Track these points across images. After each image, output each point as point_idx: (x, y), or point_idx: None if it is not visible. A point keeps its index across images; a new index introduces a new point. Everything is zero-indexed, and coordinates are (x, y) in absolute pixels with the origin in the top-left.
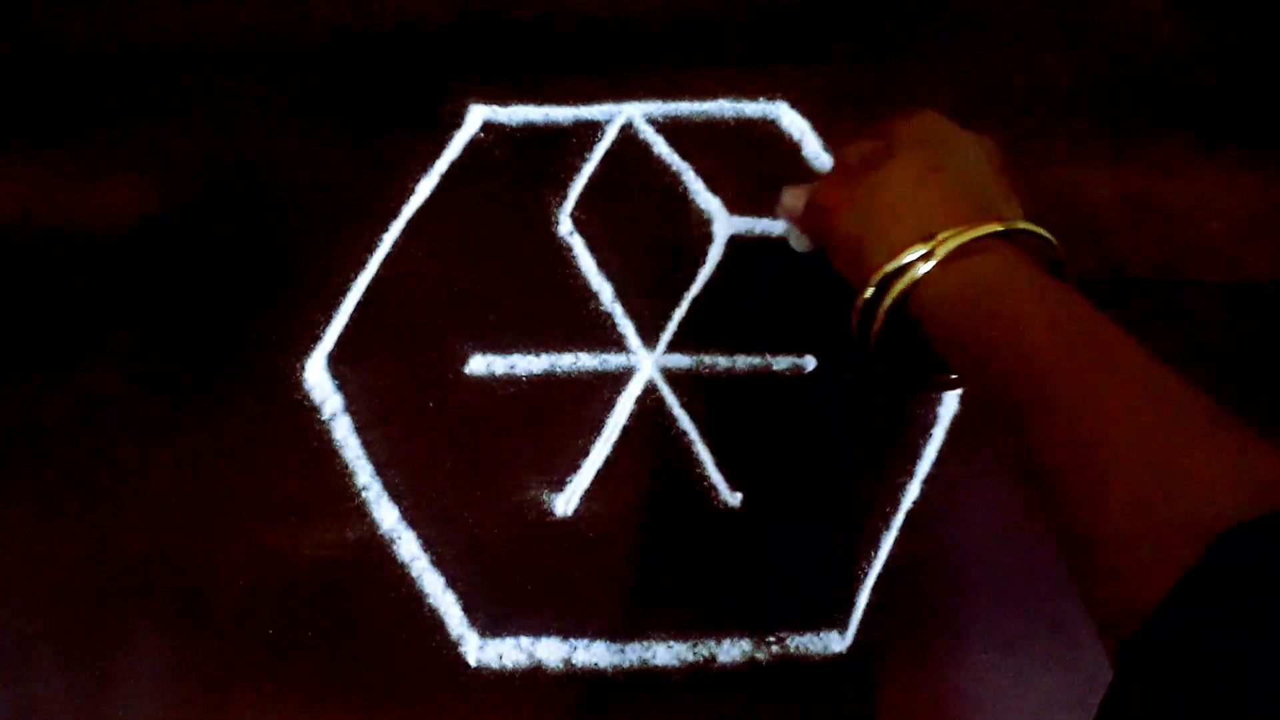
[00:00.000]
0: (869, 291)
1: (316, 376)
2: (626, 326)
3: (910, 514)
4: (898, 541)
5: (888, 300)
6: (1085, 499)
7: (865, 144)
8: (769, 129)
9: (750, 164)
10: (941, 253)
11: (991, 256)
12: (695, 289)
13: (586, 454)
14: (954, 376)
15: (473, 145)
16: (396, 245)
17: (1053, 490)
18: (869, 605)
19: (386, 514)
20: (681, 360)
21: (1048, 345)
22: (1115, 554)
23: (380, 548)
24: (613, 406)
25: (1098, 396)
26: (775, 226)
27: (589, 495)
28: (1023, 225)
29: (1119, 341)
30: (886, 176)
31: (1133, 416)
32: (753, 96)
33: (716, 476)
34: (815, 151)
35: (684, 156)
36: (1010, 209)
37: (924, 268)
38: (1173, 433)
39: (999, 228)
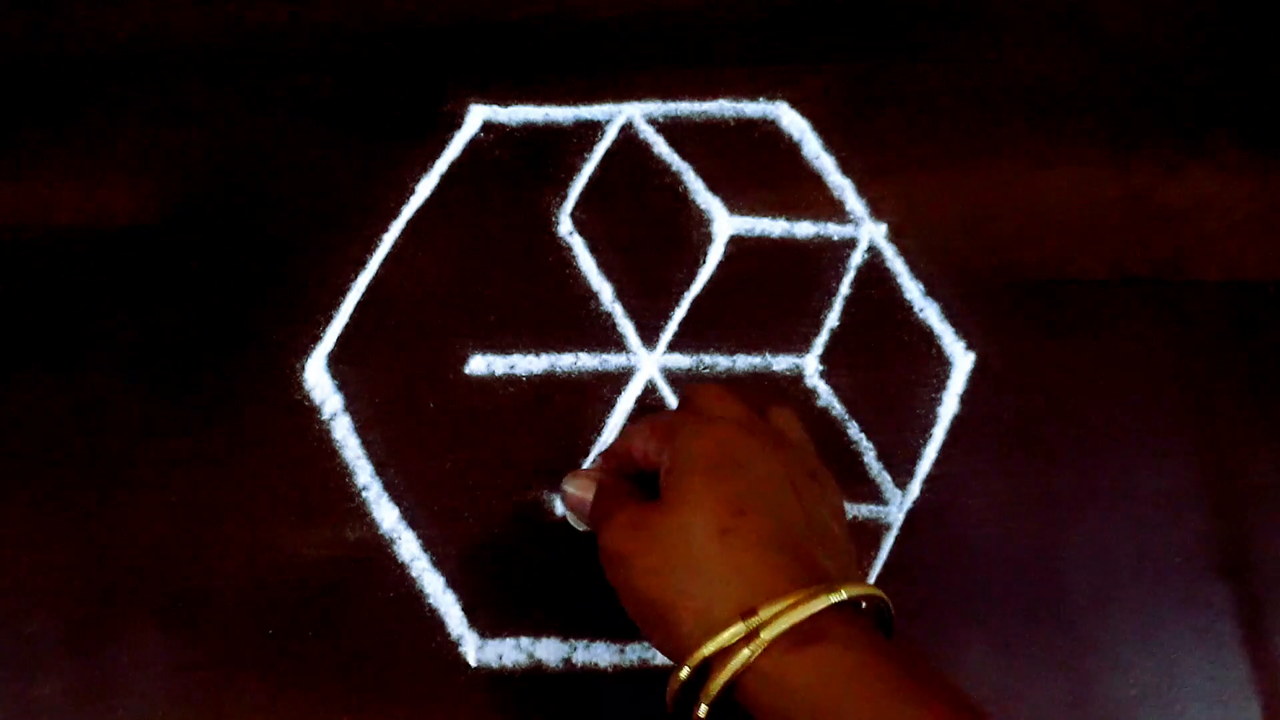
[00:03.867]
0: (685, 673)
1: (316, 376)
2: (626, 326)
3: (910, 514)
4: (898, 541)
5: (712, 689)
6: None
7: (650, 440)
8: (769, 129)
9: (750, 164)
10: (768, 636)
11: (831, 649)
12: (695, 289)
13: (586, 454)
14: None
15: (473, 145)
16: (396, 245)
17: None
18: None
19: (386, 514)
20: (681, 360)
21: None
22: None
23: (380, 548)
24: (613, 406)
25: None
26: (775, 227)
27: None
28: (857, 591)
29: None
30: (681, 522)
31: None
32: (753, 96)
33: None
34: (815, 151)
35: (684, 156)
36: (834, 561)
37: (748, 653)
38: None
39: (832, 599)
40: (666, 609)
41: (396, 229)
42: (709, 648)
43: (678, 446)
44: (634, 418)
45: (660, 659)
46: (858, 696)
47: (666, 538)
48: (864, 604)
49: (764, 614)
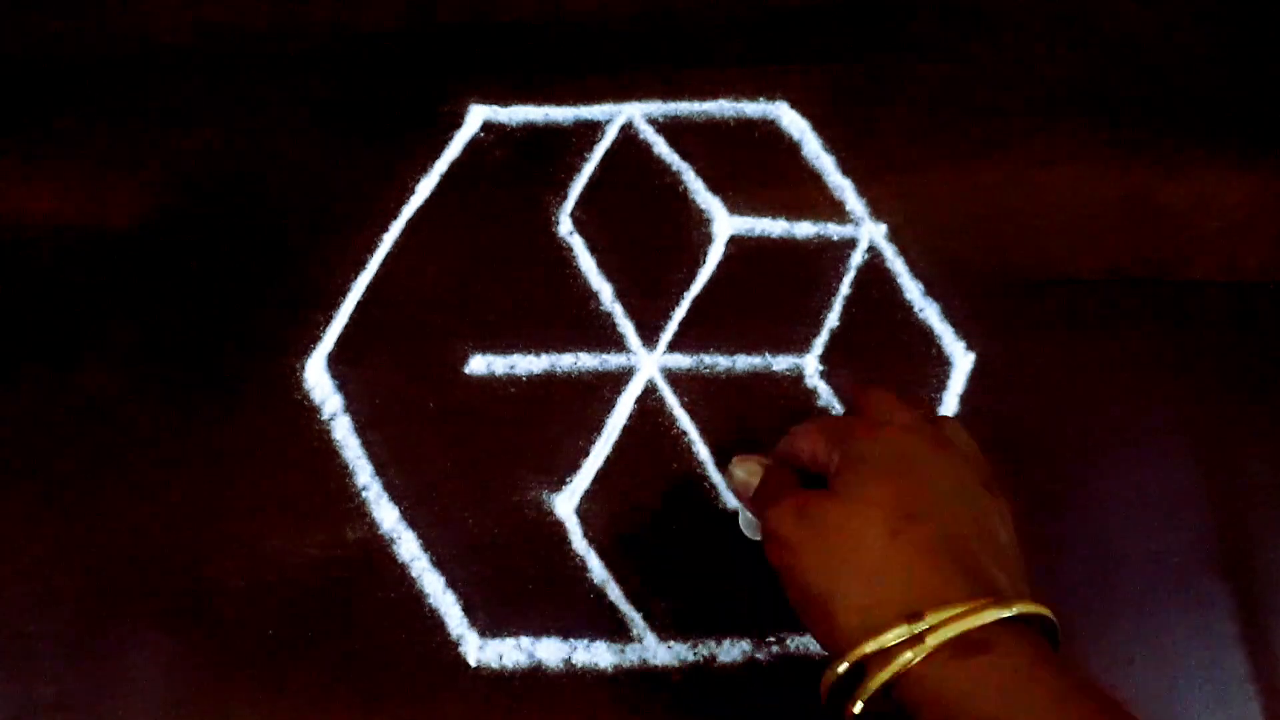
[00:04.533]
0: (842, 667)
1: (316, 376)
2: (626, 326)
3: None
4: None
5: (871, 687)
6: None
7: (819, 442)
8: (769, 129)
9: (750, 164)
10: (933, 642)
11: (999, 661)
12: (695, 289)
13: (586, 454)
14: None
15: (473, 145)
16: (396, 245)
17: None
18: None
19: (386, 514)
20: (681, 360)
21: None
22: None
23: (380, 548)
24: (613, 406)
25: None
26: (775, 227)
27: (589, 495)
28: (1029, 609)
29: None
30: (851, 523)
31: None
32: (753, 96)
33: (717, 476)
34: (815, 151)
35: (684, 156)
36: (1005, 573)
37: (911, 656)
38: None
39: (1003, 614)
40: (829, 601)
41: (396, 229)
42: (870, 646)
43: (849, 447)
44: (638, 414)
45: (660, 659)
46: (1019, 707)
47: (836, 530)
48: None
49: (930, 620)
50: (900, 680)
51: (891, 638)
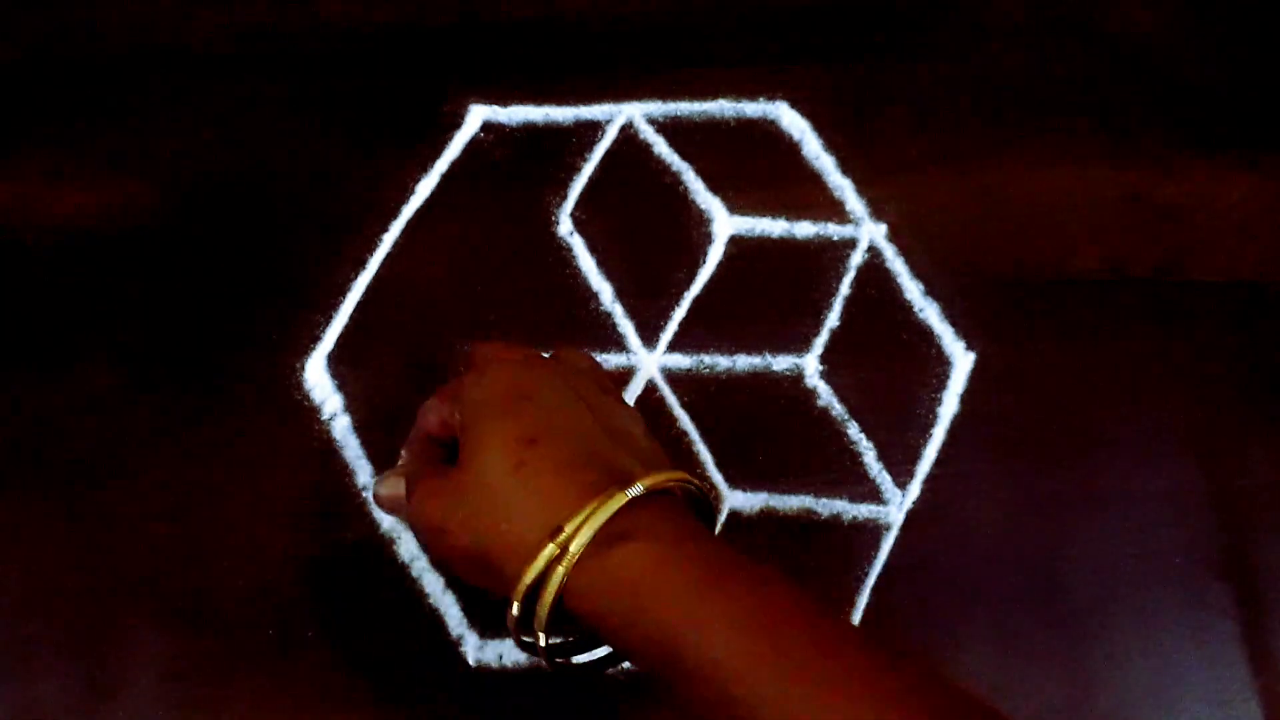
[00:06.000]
0: (516, 608)
1: (316, 376)
2: (626, 326)
3: (910, 514)
4: (898, 541)
5: (542, 614)
6: None
7: (442, 405)
8: (769, 129)
9: (750, 164)
10: (575, 549)
11: (633, 547)
12: (695, 289)
13: None
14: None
15: (473, 145)
16: (396, 245)
17: None
18: (868, 605)
19: (387, 514)
20: (681, 360)
21: (726, 651)
22: None
23: (380, 548)
24: None
25: (783, 706)
26: (775, 227)
27: None
28: (652, 481)
29: (796, 623)
30: (479, 470)
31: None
32: (753, 96)
33: (717, 476)
34: (815, 151)
35: (684, 156)
36: (631, 454)
37: (561, 570)
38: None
39: (630, 493)
40: (485, 555)
41: (396, 229)
42: (528, 576)
43: (464, 400)
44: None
45: None
46: (664, 585)
47: (469, 490)
48: (686, 495)
49: (569, 529)
50: (566, 599)
51: (542, 560)
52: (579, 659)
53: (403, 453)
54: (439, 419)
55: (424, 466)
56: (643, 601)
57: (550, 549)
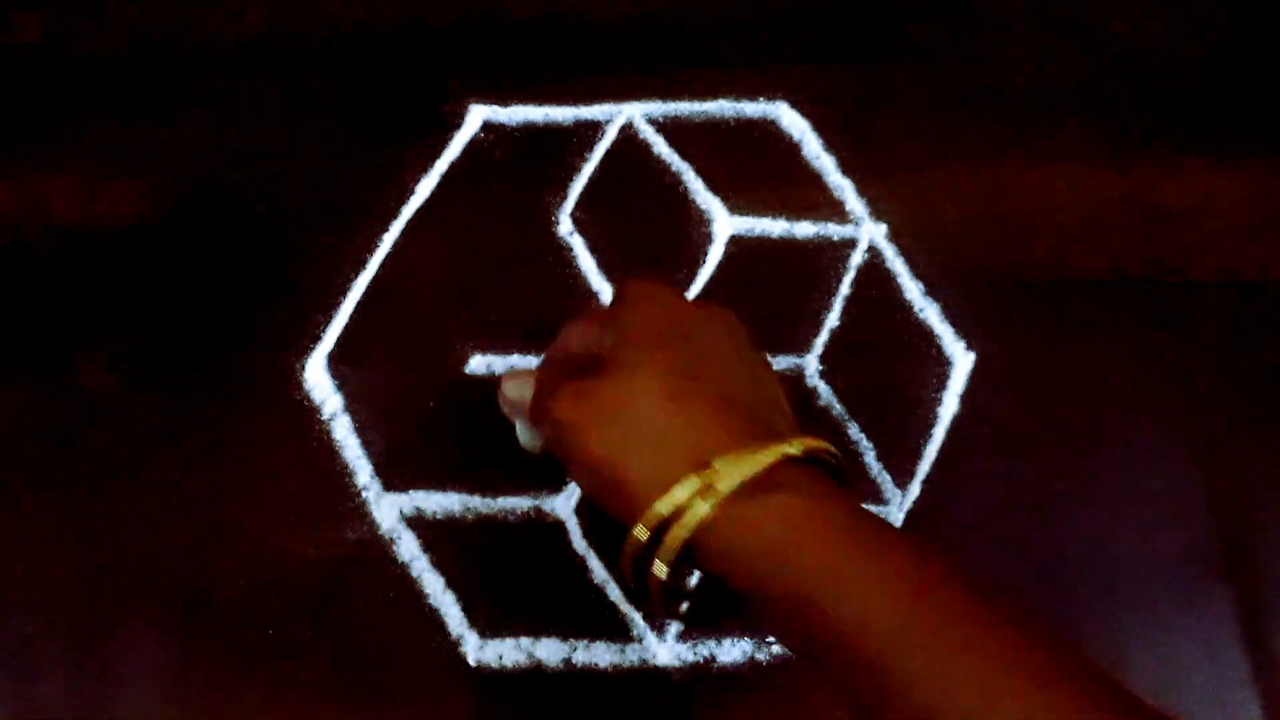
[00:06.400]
0: (643, 533)
1: (316, 376)
2: None
3: (910, 514)
4: None
5: (670, 544)
6: None
7: (590, 329)
8: (769, 129)
9: (750, 164)
10: (724, 488)
11: (787, 499)
12: (695, 289)
13: None
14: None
15: (473, 145)
16: (396, 245)
17: None
18: None
19: (386, 514)
20: None
21: (878, 614)
22: None
23: (380, 548)
24: None
25: (942, 679)
26: (775, 227)
27: None
28: (809, 444)
29: (953, 592)
30: (631, 392)
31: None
32: (753, 96)
33: None
34: (815, 151)
35: (684, 156)
36: (781, 416)
37: (704, 508)
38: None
39: (788, 450)
40: (620, 471)
41: (396, 229)
42: (663, 505)
43: (620, 323)
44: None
45: (660, 659)
46: (815, 538)
47: (616, 403)
48: (819, 460)
49: (719, 465)
50: (699, 537)
51: (682, 492)
52: (684, 606)
53: (531, 371)
54: (584, 340)
55: (561, 370)
56: (787, 552)
57: (693, 481)
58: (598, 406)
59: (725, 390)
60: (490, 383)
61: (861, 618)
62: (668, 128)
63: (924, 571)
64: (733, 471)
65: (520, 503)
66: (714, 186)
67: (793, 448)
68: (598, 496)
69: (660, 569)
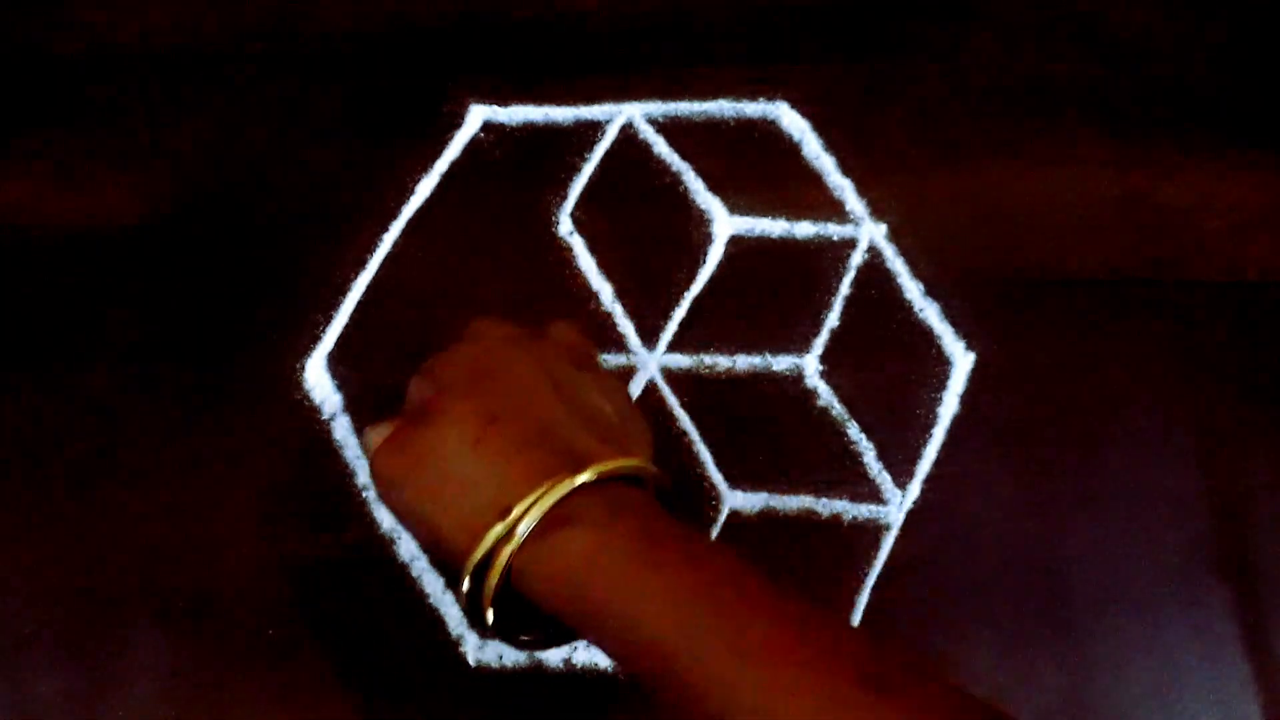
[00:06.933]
0: (466, 584)
1: (316, 376)
2: (626, 326)
3: (910, 514)
4: (898, 541)
5: (487, 592)
6: None
7: (419, 379)
8: (769, 129)
9: (750, 164)
10: (523, 531)
11: (573, 532)
12: (695, 289)
13: None
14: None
15: (473, 145)
16: (396, 245)
17: None
18: (869, 605)
19: (386, 514)
20: (681, 360)
21: (672, 630)
22: None
23: (380, 548)
24: None
25: (728, 686)
26: (775, 227)
27: None
28: (606, 467)
29: (748, 604)
30: (439, 438)
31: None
32: (753, 96)
33: (717, 476)
34: (815, 151)
35: (684, 156)
36: (610, 442)
37: (507, 550)
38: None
39: (578, 480)
40: (437, 526)
41: (396, 229)
42: (477, 554)
43: (436, 371)
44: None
45: None
46: (598, 570)
47: (429, 454)
48: (646, 480)
49: (517, 510)
50: (514, 578)
51: (490, 539)
52: (525, 637)
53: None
54: (416, 390)
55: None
56: (582, 585)
57: (498, 529)
58: (412, 459)
59: (532, 426)
60: None
61: (652, 636)
62: (668, 128)
63: (708, 578)
64: (530, 513)
65: None
66: (714, 186)
67: (585, 475)
68: (425, 548)
69: (488, 614)
